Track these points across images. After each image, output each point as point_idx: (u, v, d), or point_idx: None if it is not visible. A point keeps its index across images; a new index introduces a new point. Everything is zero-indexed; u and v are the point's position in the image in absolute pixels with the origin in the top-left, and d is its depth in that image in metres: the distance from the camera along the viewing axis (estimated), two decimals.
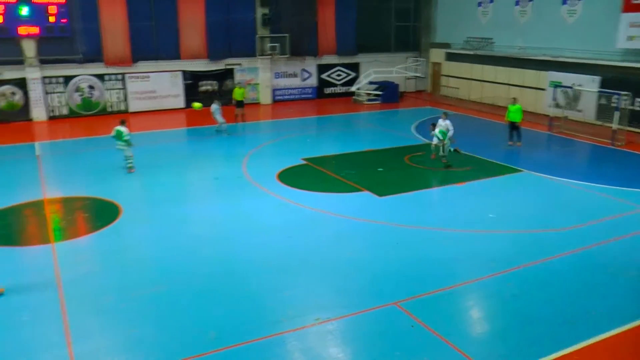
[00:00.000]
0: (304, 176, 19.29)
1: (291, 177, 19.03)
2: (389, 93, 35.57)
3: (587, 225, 14.72)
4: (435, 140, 20.49)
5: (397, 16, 39.32)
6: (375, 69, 36.03)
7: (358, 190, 17.67)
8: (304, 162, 20.95)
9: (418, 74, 38.01)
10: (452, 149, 20.63)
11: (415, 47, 40.43)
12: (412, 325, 9.94)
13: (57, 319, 10.25)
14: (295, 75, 36.06)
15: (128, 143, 19.45)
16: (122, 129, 19.41)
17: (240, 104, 28.47)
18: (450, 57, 37.81)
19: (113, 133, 19.56)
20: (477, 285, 11.64)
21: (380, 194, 17.21)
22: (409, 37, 40.34)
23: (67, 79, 29.92)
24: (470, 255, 12.94)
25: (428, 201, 17.05)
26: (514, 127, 23.72)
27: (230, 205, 16.56)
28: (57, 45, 29.23)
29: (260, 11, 33.87)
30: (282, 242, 13.65)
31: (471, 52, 35.80)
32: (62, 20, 28.64)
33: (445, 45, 38.52)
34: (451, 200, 17.02)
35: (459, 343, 9.40)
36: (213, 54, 33.01)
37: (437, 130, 20.36)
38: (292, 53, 34.71)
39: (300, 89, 36.15)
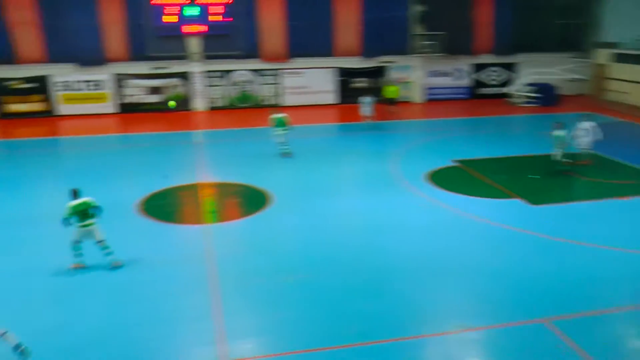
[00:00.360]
0: (454, 178, 18.98)
1: (441, 178, 18.83)
2: (546, 96, 33.73)
3: None
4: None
5: (560, 13, 37.03)
6: (533, 70, 34.38)
7: (509, 196, 17.08)
8: (455, 163, 20.60)
9: (580, 76, 35.72)
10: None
11: (578, 47, 37.88)
12: (559, 345, 9.45)
13: (206, 294, 11.11)
14: (448, 74, 35.41)
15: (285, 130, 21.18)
16: (281, 115, 21.24)
17: (392, 101, 28.65)
18: (619, 57, 35.02)
19: (273, 122, 21.14)
20: (637, 313, 10.75)
21: (534, 203, 16.49)
22: (572, 36, 37.87)
23: (226, 73, 31.80)
24: (633, 278, 12.01)
25: (586, 214, 16.01)
26: None
27: (378, 201, 16.78)
28: (219, 42, 31.37)
29: (416, 8, 33.59)
30: (428, 243, 13.63)
31: None
32: (224, 19, 30.55)
33: (614, 45, 35.73)
34: (612, 215, 15.84)
35: None
36: (367, 51, 33.39)
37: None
38: (446, 51, 34.07)
39: (453, 89, 35.45)
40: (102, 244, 12.35)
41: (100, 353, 9.30)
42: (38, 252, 13.28)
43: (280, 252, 13.26)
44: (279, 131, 21.20)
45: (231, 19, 30.64)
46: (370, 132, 26.08)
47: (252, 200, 17.03)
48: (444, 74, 35.30)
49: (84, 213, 12.20)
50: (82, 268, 12.26)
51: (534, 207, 16.25)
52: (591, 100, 36.04)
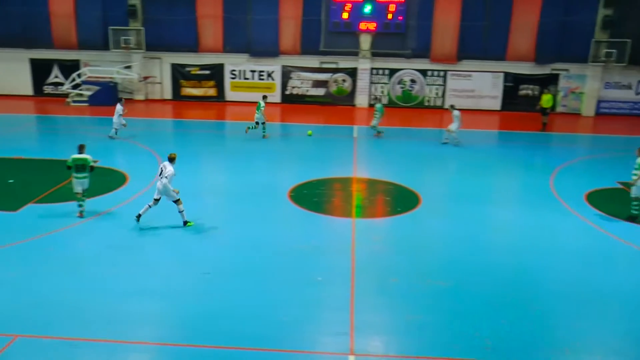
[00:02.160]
0: (616, 201, 17.59)
1: (601, 200, 17.64)
2: None
3: None
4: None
5: None
6: None
7: None
8: (620, 185, 19.22)
9: None
10: None
11: None
12: None
13: (346, 287, 11.50)
14: (629, 87, 32.61)
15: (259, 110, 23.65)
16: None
17: (545, 111, 27.35)
18: None
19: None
20: None
21: None
22: None
23: (392, 71, 32.18)
24: None
25: None
26: None
27: (531, 216, 16.20)
28: (390, 40, 31.75)
29: (602, 12, 31.21)
30: (580, 268, 12.92)
31: None
32: (398, 18, 30.86)
33: None
34: None
35: None
36: (540, 57, 31.90)
37: None
38: (630, 61, 31.30)
39: (632, 103, 32.50)
40: (79, 195, 14.74)
41: (239, 327, 10.06)
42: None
43: (423, 255, 13.35)
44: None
45: (402, 17, 30.85)
46: (532, 143, 25.09)
47: (401, 199, 17.25)
48: (624, 87, 32.62)
49: (81, 166, 14.63)
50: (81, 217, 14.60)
51: None
52: None
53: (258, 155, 21.48)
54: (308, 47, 32.21)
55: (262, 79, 32.65)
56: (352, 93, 32.62)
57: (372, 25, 31.06)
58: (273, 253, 13.06)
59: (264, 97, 24.77)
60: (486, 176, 20.14)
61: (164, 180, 13.88)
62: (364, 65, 32.03)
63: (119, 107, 23.46)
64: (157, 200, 14.29)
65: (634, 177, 15.45)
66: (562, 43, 31.79)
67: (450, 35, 31.54)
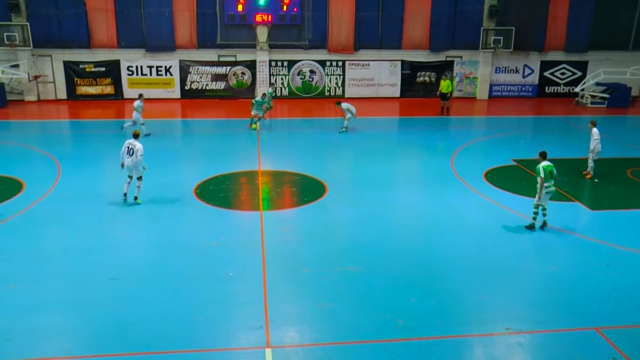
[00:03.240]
0: (512, 178, 18.66)
1: (498, 177, 18.57)
2: (617, 97, 32.44)
3: None
4: None
5: None
6: (605, 69, 33.02)
7: (569, 200, 16.70)
8: (514, 163, 20.26)
9: None
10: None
11: None
12: (614, 357, 9.22)
13: (258, 280, 11.39)
14: (516, 71, 34.62)
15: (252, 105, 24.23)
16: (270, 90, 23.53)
17: (445, 96, 28.44)
18: None
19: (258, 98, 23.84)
20: None
21: (593, 208, 16.10)
22: None
23: (291, 63, 32.21)
24: None
25: None
26: None
27: (433, 197, 16.73)
28: (287, 32, 31.77)
29: (488, 2, 32.83)
30: (481, 243, 13.47)
31: None
32: (294, 9, 30.92)
33: None
34: None
35: None
36: (435, 45, 33.05)
37: None
38: (515, 47, 33.24)
39: (519, 86, 34.64)
40: None
41: (154, 331, 9.73)
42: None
43: (331, 243, 13.42)
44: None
45: (297, 9, 30.88)
46: (431, 127, 25.90)
47: (307, 189, 17.30)
48: (512, 71, 34.55)
49: None
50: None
51: (593, 212, 15.87)
52: None
53: (161, 153, 20.80)
54: (205, 40, 31.58)
55: (161, 75, 31.69)
56: (252, 86, 32.34)
57: (267, 17, 30.90)
58: (182, 252, 12.71)
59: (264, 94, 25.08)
60: (390, 161, 20.63)
61: (139, 158, 15.00)
62: (262, 57, 31.84)
63: (138, 103, 22.96)
64: (130, 177, 15.32)
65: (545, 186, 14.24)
66: (454, 31, 33.18)
67: (346, 26, 31.95)
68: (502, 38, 32.68)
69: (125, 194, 15.57)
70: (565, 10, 33.91)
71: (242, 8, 30.52)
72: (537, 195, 14.24)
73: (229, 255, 12.54)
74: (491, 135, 25.10)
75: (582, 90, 33.41)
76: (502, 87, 34.41)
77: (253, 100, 24.83)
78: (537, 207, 14.26)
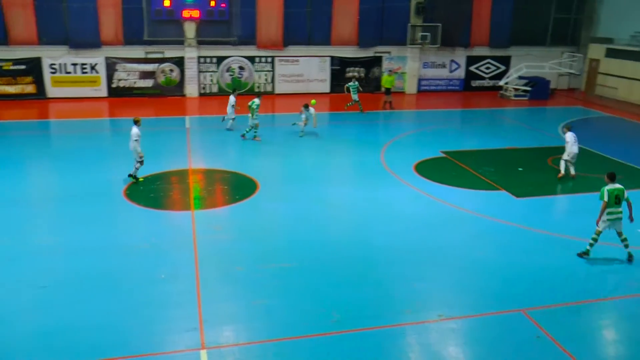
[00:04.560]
0: (441, 169, 19.14)
1: (428, 169, 18.99)
2: (538, 89, 33.90)
3: None
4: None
5: (557, 7, 37.12)
6: (527, 64, 34.38)
7: (495, 188, 17.27)
8: (443, 154, 20.76)
9: (572, 71, 35.82)
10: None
11: (572, 42, 38.00)
12: (538, 336, 9.67)
13: (191, 281, 11.21)
14: (443, 66, 35.47)
15: (252, 113, 21.77)
16: (256, 100, 21.91)
17: (388, 91, 28.90)
18: (612, 53, 35.12)
19: (250, 103, 21.95)
20: (613, 304, 11.05)
21: (518, 195, 16.71)
22: (568, 31, 37.99)
23: (220, 59, 31.83)
24: (610, 271, 12.28)
25: (569, 207, 16.29)
26: None
27: (365, 191, 16.92)
28: (215, 28, 31.27)
29: None
30: (414, 234, 13.77)
31: (638, 49, 33.07)
32: (221, 5, 30.49)
33: (607, 40, 35.79)
34: (595, 209, 16.02)
35: None
36: (363, 41, 33.36)
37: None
38: (442, 43, 34.07)
39: (447, 80, 35.51)
40: None
41: (84, 338, 9.42)
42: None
43: (264, 240, 13.36)
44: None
45: (225, 4, 30.50)
46: (361, 121, 26.17)
47: (239, 187, 17.14)
48: (439, 66, 35.35)
49: None
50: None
51: (518, 199, 16.46)
52: (582, 95, 36.26)
53: (89, 154, 20.11)
54: (131, 36, 30.64)
55: (86, 72, 30.52)
56: (181, 83, 31.68)
57: (195, 13, 30.35)
58: (112, 256, 12.33)
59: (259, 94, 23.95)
60: (321, 157, 20.73)
61: (132, 143, 16.36)
62: (190, 54, 31.26)
63: (232, 98, 23.69)
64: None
65: None
66: (382, 27, 33.56)
67: (274, 22, 31.81)
68: (429, 34, 33.41)
69: (133, 177, 16.96)
70: (488, 8, 35.06)
71: (170, 3, 29.84)
72: (598, 221, 12.56)
73: (161, 257, 12.29)
74: (420, 129, 25.61)
75: (506, 83, 34.59)
76: (430, 81, 35.15)
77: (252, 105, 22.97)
78: (598, 233, 12.57)
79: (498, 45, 35.79)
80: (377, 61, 33.95)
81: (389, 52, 33.97)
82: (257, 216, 14.88)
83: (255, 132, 22.12)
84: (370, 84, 33.79)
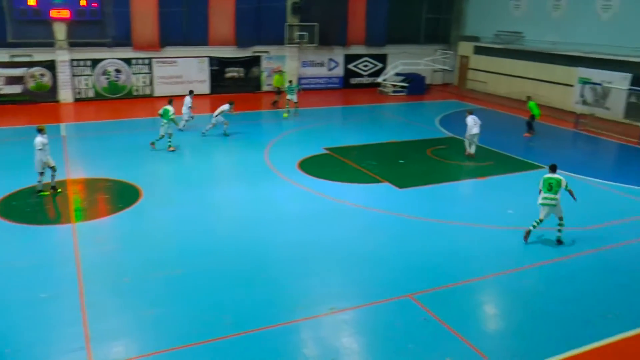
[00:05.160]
0: (325, 165, 19.41)
1: (312, 166, 19.17)
2: (415, 85, 35.41)
3: (608, 226, 14.61)
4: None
5: (428, 8, 38.94)
6: (403, 61, 35.83)
7: (378, 181, 17.74)
8: (326, 151, 21.05)
9: (445, 67, 37.73)
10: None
11: (444, 40, 40.07)
12: (425, 318, 10.03)
13: (74, 298, 10.54)
14: (322, 65, 36.09)
15: (173, 121, 20.51)
16: (169, 107, 20.43)
17: (278, 90, 29.41)
18: (479, 50, 37.45)
19: (160, 111, 20.52)
20: (492, 281, 11.69)
21: (400, 186, 17.27)
22: (439, 29, 40.01)
23: (95, 62, 30.35)
24: (488, 251, 12.98)
25: (448, 195, 17.05)
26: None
27: (250, 191, 16.78)
28: (87, 29, 29.71)
29: None
30: (301, 231, 13.83)
31: (501, 46, 35.38)
32: (93, 4, 29.05)
33: (475, 39, 38.14)
34: (471, 195, 17.02)
35: (471, 338, 9.49)
36: (241, 41, 33.17)
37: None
38: (320, 42, 34.71)
39: (326, 79, 36.17)
40: None
41: None
42: None
43: (151, 248, 12.86)
44: (164, 122, 20.47)
45: (97, 4, 29.03)
46: (244, 121, 25.95)
47: (122, 195, 16.34)
48: (318, 64, 35.92)
49: None
50: None
51: (402, 190, 17.01)
52: (455, 89, 38.26)
53: None
54: None
55: None
56: (53, 88, 29.77)
57: (65, 13, 28.64)
58: None
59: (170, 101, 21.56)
60: (205, 159, 20.35)
61: (38, 154, 15.65)
62: (62, 57, 29.50)
63: (187, 99, 23.43)
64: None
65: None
66: (260, 27, 33.59)
67: (150, 22, 30.80)
68: (306, 33, 33.92)
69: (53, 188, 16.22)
70: (363, 8, 36.13)
71: (35, 2, 27.94)
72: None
73: (41, 275, 11.41)
74: (302, 127, 25.78)
75: (384, 80, 35.77)
76: (310, 80, 35.61)
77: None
78: (536, 222, 13.40)
79: (374, 43, 36.97)
80: (256, 61, 33.90)
81: (267, 52, 34.05)
82: (142, 224, 14.31)
83: (169, 141, 20.83)
84: (250, 84, 33.66)
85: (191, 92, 24.56)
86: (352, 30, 36.24)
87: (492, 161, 20.42)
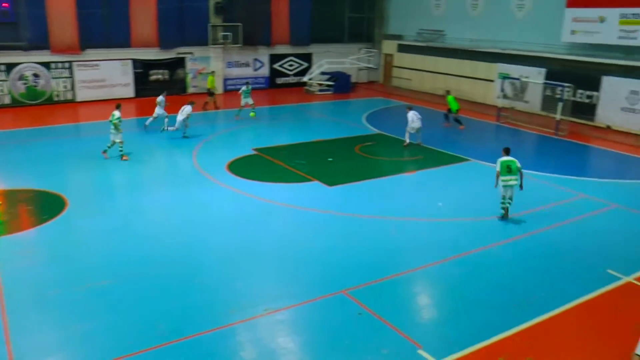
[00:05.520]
0: (255, 166, 19.27)
1: (241, 167, 18.98)
2: (341, 84, 35.73)
3: (531, 213, 15.19)
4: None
5: (351, 7, 39.43)
6: (328, 60, 36.08)
7: (308, 180, 17.75)
8: (255, 152, 20.89)
9: (370, 65, 38.24)
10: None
11: (368, 38, 40.66)
12: (360, 312, 10.10)
13: None
14: (247, 65, 35.82)
15: (117, 127, 19.51)
16: (116, 112, 19.60)
17: (210, 91, 29.37)
18: (403, 48, 38.18)
19: (110, 117, 19.67)
20: (424, 272, 11.91)
21: (330, 184, 17.34)
22: (362, 28, 40.56)
23: (10, 66, 28.83)
24: (418, 243, 13.24)
25: (378, 190, 17.24)
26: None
27: (180, 196, 16.40)
28: (0, 32, 28.22)
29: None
30: (233, 233, 13.63)
31: (423, 44, 36.22)
32: (4, 5, 27.64)
33: (398, 37, 38.87)
34: (400, 190, 17.28)
35: (405, 329, 9.64)
36: (164, 42, 32.42)
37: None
38: (244, 42, 34.45)
39: (252, 79, 35.83)
40: None
41: None
42: None
43: (79, 259, 12.32)
44: (111, 129, 19.73)
45: (7, 4, 27.57)
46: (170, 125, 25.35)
47: (46, 206, 15.54)
48: (243, 65, 35.63)
49: None
50: None
51: (332, 188, 17.08)
52: (381, 87, 38.84)
53: None
54: None
55: None
56: None
57: None
58: None
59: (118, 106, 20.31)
60: (132, 166, 19.62)
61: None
62: None
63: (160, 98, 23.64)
64: None
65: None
66: (183, 28, 32.94)
67: (69, 24, 29.59)
68: (230, 34, 33.59)
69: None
70: (286, 8, 36.11)
71: None
72: (495, 185, 14.62)
73: None
74: (230, 128, 25.51)
75: (310, 79, 35.87)
76: (236, 80, 35.16)
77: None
78: (503, 197, 14.58)
79: (299, 43, 37.04)
80: (180, 62, 33.28)
81: (191, 53, 33.46)
82: (68, 235, 13.69)
83: (121, 149, 19.96)
84: (176, 86, 33.00)
85: (192, 102, 23.41)
86: (277, 30, 36.17)
87: (420, 155, 20.83)
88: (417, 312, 10.65)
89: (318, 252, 12.70)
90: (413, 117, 21.84)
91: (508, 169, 14.31)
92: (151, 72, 32.44)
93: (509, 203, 14.57)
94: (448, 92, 26.69)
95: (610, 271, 12.00)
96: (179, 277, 11.46)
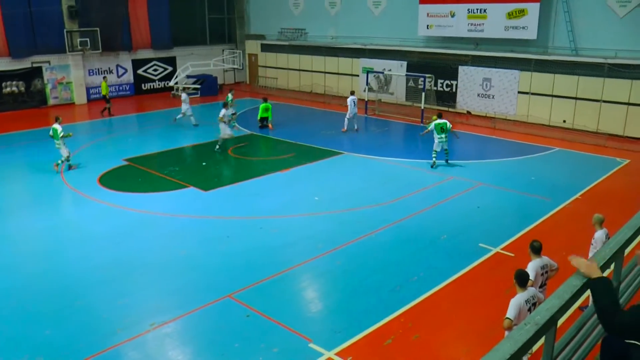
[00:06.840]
0: (127, 177, 18.64)
1: (113, 179, 18.28)
2: (207, 86, 35.39)
3: (404, 198, 16.04)
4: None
5: (210, 8, 39.08)
6: (192, 62, 35.41)
7: (183, 186, 17.49)
8: (126, 162, 20.18)
9: (235, 66, 38.07)
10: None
11: (230, 39, 40.53)
12: (248, 314, 10.17)
13: None
14: (110, 72, 34.32)
15: (64, 138, 18.92)
16: (57, 126, 18.73)
17: (105, 97, 28.71)
18: (266, 48, 38.45)
19: (50, 132, 18.84)
20: (306, 267, 12.22)
21: (206, 189, 17.24)
22: (224, 30, 40.37)
23: None
24: (299, 239, 13.55)
25: (254, 191, 17.33)
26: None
27: (50, 216, 15.41)
28: None
29: (66, 3, 31.54)
30: (110, 250, 13.07)
31: (286, 43, 36.69)
32: None
33: (260, 37, 39.08)
34: (276, 188, 17.47)
35: (294, 325, 9.87)
36: (15, 51, 30.24)
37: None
38: (103, 48, 32.91)
39: (116, 86, 34.49)
40: None
41: None
42: None
43: None
44: (57, 143, 18.95)
45: None
46: (30, 141, 23.81)
47: None
48: (106, 72, 34.02)
49: None
50: None
51: (208, 192, 16.96)
52: (248, 87, 38.89)
53: None
54: None
55: None
56: None
57: None
58: None
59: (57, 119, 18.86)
60: None
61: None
62: None
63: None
64: None
65: None
66: (35, 35, 30.90)
67: None
68: (88, 39, 31.98)
69: None
70: (144, 10, 35.07)
71: None
72: (434, 144, 18.91)
73: None
74: (98, 139, 24.44)
75: (176, 83, 35.09)
76: (99, 89, 33.46)
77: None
78: (434, 152, 18.89)
79: (161, 46, 36.17)
80: (37, 72, 31.18)
81: (48, 62, 31.50)
82: None
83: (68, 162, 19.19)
84: (34, 99, 30.99)
85: (57, 118, 20.57)
86: (137, 34, 35.04)
87: (293, 152, 21.15)
88: (303, 307, 10.88)
89: (199, 258, 12.60)
90: (352, 104, 24.15)
91: (441, 129, 18.63)
92: (4, 84, 30.09)
93: (446, 152, 19.14)
94: (265, 100, 26.58)
95: (481, 245, 12.99)
96: (56, 305, 10.70)
